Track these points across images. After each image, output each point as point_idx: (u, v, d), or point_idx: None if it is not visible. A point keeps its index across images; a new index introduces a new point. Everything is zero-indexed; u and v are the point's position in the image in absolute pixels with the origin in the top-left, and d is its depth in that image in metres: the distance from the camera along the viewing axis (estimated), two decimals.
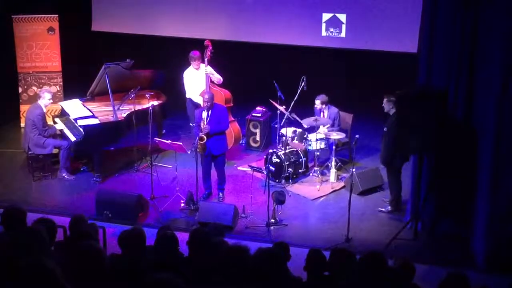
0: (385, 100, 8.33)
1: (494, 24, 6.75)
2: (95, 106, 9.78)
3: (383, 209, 8.42)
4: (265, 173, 8.47)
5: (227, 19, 12.07)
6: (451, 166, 7.44)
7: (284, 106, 9.48)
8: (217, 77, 9.83)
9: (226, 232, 6.91)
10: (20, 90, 11.35)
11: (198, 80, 9.83)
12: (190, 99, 9.95)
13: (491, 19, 6.80)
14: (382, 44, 11.29)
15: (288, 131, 9.42)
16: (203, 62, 9.74)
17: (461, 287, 4.17)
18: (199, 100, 9.63)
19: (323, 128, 9.39)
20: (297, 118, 9.47)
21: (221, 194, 8.70)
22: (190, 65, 9.89)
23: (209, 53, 9.69)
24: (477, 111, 7.13)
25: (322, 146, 9.24)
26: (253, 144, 10.49)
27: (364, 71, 11.69)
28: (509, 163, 6.81)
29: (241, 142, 10.48)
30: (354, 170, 8.40)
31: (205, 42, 9.74)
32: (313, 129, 9.33)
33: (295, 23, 11.70)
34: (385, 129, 8.17)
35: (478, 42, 6.99)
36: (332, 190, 9.04)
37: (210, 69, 9.74)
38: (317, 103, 9.53)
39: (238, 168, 9.70)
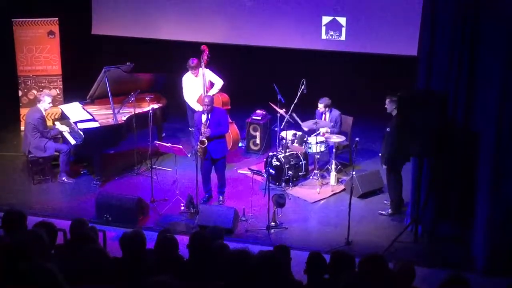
0: (387, 100, 8.28)
1: (494, 26, 6.75)
2: (95, 110, 9.78)
3: (383, 212, 8.42)
4: (265, 176, 8.47)
5: (228, 23, 12.08)
6: (451, 169, 7.44)
7: (284, 109, 9.47)
8: (219, 83, 9.84)
9: (226, 235, 6.91)
10: (20, 93, 11.34)
11: (195, 86, 9.84)
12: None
13: (491, 22, 6.81)
14: (382, 47, 11.31)
15: (288, 134, 9.41)
16: (202, 67, 9.75)
17: None
18: (195, 106, 9.66)
19: (325, 129, 9.35)
20: (298, 119, 9.45)
21: (221, 197, 8.69)
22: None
23: (206, 57, 9.71)
24: (477, 113, 7.13)
25: (322, 149, 9.24)
26: (253, 147, 10.48)
27: (364, 74, 11.69)
28: (509, 166, 6.81)
29: (240, 145, 10.48)
30: (354, 173, 8.40)
31: (202, 47, 9.76)
32: (314, 131, 9.29)
33: (295, 26, 11.72)
34: (387, 129, 8.12)
35: (478, 44, 6.99)
36: (332, 193, 9.03)
37: (209, 73, 9.74)
38: (320, 106, 9.50)
39: (238, 171, 9.70)
